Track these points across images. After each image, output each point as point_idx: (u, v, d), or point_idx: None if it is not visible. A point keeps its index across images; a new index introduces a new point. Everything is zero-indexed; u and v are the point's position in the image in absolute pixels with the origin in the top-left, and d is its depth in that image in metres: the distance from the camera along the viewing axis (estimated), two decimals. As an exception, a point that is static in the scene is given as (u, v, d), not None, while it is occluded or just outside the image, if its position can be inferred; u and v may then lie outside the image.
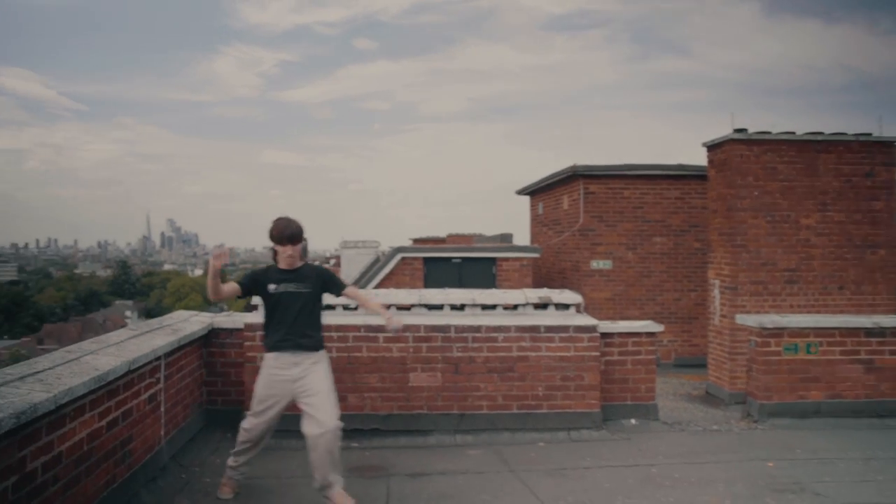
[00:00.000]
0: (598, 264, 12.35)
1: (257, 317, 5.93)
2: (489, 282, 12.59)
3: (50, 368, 3.58)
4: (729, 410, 9.09)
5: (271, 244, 4.32)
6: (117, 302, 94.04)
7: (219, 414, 6.02)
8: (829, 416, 6.44)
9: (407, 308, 6.21)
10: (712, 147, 10.00)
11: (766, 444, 5.75)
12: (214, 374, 6.05)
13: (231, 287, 4.37)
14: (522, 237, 16.38)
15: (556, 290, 6.37)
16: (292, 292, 4.30)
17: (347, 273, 15.64)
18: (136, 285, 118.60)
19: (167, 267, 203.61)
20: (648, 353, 6.35)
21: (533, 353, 5.97)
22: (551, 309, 6.23)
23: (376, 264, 13.05)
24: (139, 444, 4.46)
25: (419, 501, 4.54)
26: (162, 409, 4.92)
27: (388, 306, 6.14)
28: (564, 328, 6.01)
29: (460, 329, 5.95)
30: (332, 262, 25.20)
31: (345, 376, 5.86)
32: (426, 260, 12.77)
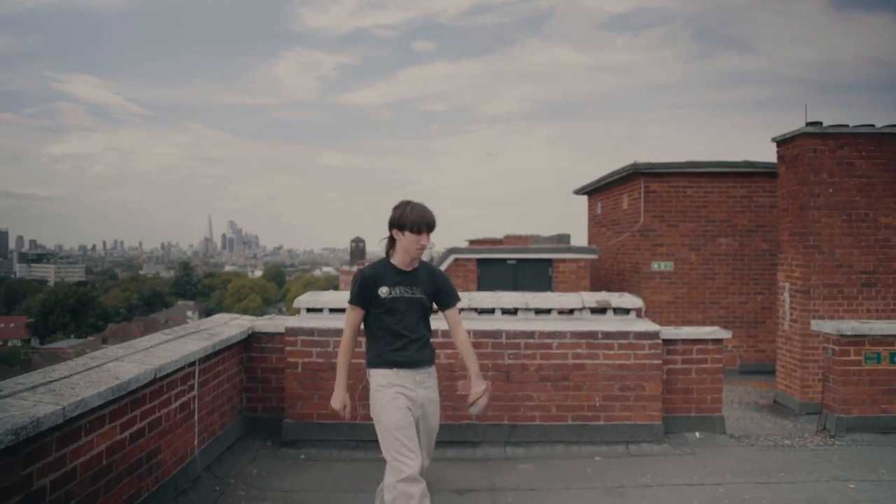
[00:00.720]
0: (659, 266, 11.83)
1: (299, 321, 5.74)
2: (545, 284, 12.19)
3: (66, 377, 3.40)
4: (800, 422, 8.54)
5: (395, 232, 3.51)
6: (179, 302, 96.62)
7: (259, 421, 5.83)
8: (917, 432, 5.88)
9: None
10: (783, 142, 9.41)
11: (845, 463, 5.25)
12: (255, 379, 5.87)
13: (355, 321, 3.66)
14: (580, 238, 15.92)
15: (616, 294, 5.99)
16: (408, 298, 3.57)
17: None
18: (197, 286, 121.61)
19: (228, 268, 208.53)
20: (715, 361, 5.91)
21: (590, 361, 5.60)
22: (609, 314, 5.85)
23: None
24: (168, 456, 4.28)
25: (464, 520, 4.25)
26: (195, 417, 4.74)
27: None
28: (624, 334, 5.62)
29: (512, 335, 5.62)
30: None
31: (389, 383, 5.59)
32: (480, 261, 12.47)
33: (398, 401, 3.44)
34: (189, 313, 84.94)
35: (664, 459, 5.33)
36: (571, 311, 5.87)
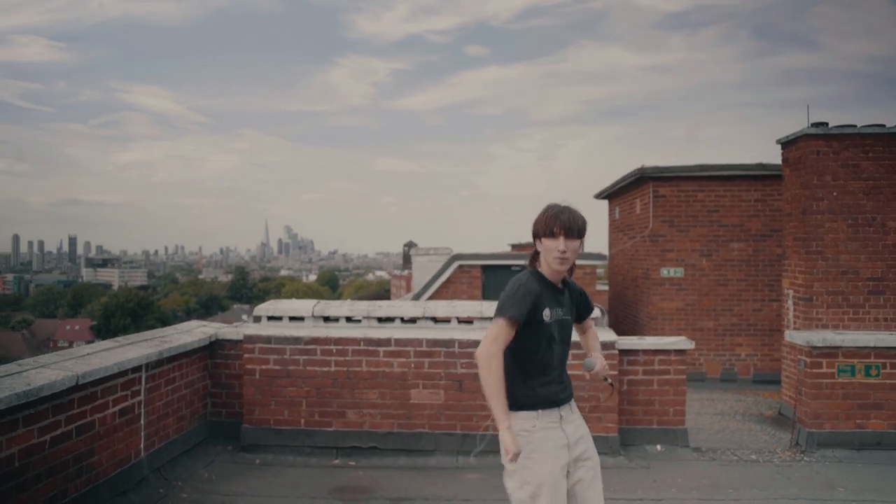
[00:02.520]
0: (668, 272, 11.55)
1: (258, 329, 5.83)
2: (550, 290, 12.01)
3: (-24, 382, 3.54)
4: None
5: (541, 239, 2.86)
6: (235, 306, 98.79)
7: (223, 426, 5.94)
8: (895, 448, 5.61)
9: (413, 321, 5.91)
10: (786, 144, 9.09)
11: (804, 481, 5.05)
12: (219, 385, 5.98)
13: (506, 339, 2.83)
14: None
15: (573, 303, 5.89)
16: (561, 319, 2.96)
17: (419, 281, 15.48)
18: (253, 290, 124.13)
19: (283, 272, 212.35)
20: (678, 372, 5.76)
21: (543, 371, 5.52)
22: (566, 323, 5.75)
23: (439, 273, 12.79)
24: (105, 458, 4.40)
25: (386, 530, 4.24)
26: (142, 421, 4.86)
27: (392, 319, 5.89)
28: (578, 345, 5.52)
29: (465, 344, 5.59)
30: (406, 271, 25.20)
31: (344, 391, 5.64)
32: (484, 268, 12.41)
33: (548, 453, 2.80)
34: (244, 317, 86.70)
35: (616, 473, 5.21)
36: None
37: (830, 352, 5.66)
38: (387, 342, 5.62)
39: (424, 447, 5.60)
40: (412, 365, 5.63)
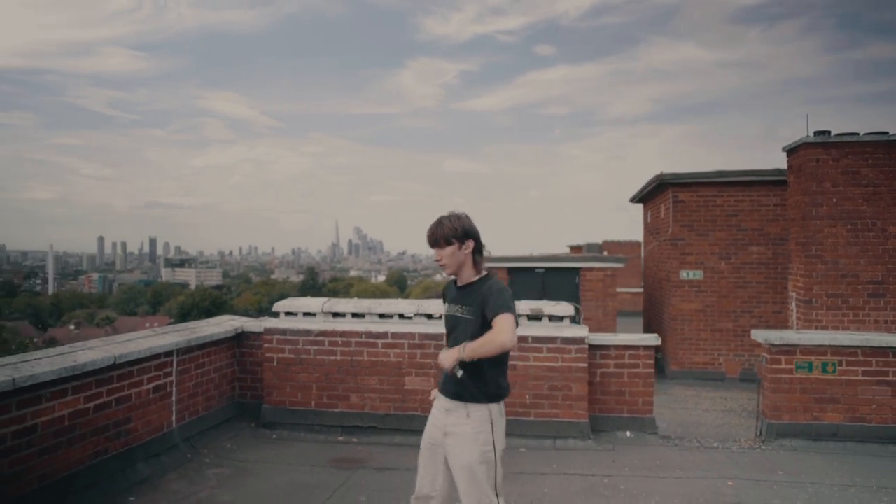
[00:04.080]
0: (687, 275, 11.95)
1: (276, 323, 6.70)
2: (573, 292, 12.59)
3: (35, 359, 4.52)
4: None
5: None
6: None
7: (247, 406, 6.84)
8: (850, 440, 6.04)
9: (409, 317, 6.67)
10: (790, 152, 9.45)
11: (750, 464, 5.58)
12: (245, 371, 6.89)
13: None
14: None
15: (551, 303, 6.54)
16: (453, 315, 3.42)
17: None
18: (322, 290, 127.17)
19: (353, 273, 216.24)
20: (646, 366, 6.35)
21: (521, 363, 6.21)
22: (545, 320, 6.41)
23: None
24: (141, 426, 5.33)
25: (365, 490, 5.01)
26: (173, 398, 5.79)
27: (389, 315, 6.67)
28: (552, 339, 6.19)
29: (452, 337, 6.32)
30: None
31: (348, 378, 6.46)
32: (510, 270, 13.05)
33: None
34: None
35: (582, 454, 5.86)
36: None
37: (788, 349, 6.14)
38: (385, 335, 6.41)
39: (416, 427, 6.31)
40: (406, 356, 6.40)
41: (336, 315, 6.75)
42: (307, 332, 6.55)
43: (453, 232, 3.28)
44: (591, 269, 12.71)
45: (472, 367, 3.25)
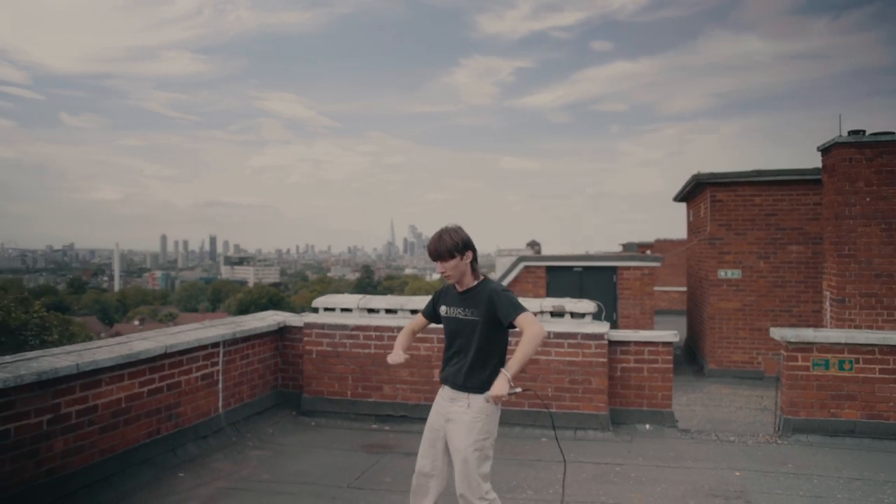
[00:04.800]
0: (725, 273, 12.01)
1: (315, 317, 7.17)
2: (610, 291, 12.77)
3: (97, 347, 5.07)
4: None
5: None
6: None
7: (289, 395, 7.33)
8: (866, 436, 6.17)
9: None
10: (824, 151, 9.48)
11: (761, 457, 5.78)
12: (287, 362, 7.38)
13: None
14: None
15: (573, 300, 6.84)
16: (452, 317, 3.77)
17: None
18: (377, 288, 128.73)
19: (408, 271, 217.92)
20: (665, 361, 6.58)
21: (543, 357, 6.53)
22: (567, 317, 6.71)
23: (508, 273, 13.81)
24: (189, 410, 5.86)
25: (391, 472, 5.42)
26: (219, 385, 6.30)
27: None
28: (573, 335, 6.49)
29: (478, 332, 6.68)
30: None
31: (381, 370, 6.88)
32: (549, 269, 13.29)
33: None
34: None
35: (600, 445, 6.15)
36: (534, 315, 6.79)
37: (805, 347, 6.30)
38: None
39: (445, 417, 6.74)
40: (435, 349, 6.78)
41: (371, 311, 7.18)
42: (343, 327, 7.00)
43: (454, 246, 3.61)
44: (628, 268, 12.87)
45: (479, 361, 3.61)
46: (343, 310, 7.24)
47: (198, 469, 5.39)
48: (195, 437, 5.87)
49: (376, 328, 6.92)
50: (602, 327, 6.53)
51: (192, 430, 5.86)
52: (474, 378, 3.62)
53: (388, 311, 7.14)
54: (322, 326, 7.06)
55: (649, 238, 30.28)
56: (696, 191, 13.57)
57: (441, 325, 3.83)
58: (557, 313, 6.73)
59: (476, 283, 3.72)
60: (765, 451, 5.99)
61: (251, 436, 6.33)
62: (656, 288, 25.89)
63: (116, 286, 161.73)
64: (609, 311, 12.67)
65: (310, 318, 7.19)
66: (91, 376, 4.74)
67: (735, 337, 12.04)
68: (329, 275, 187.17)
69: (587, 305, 6.72)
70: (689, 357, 14.40)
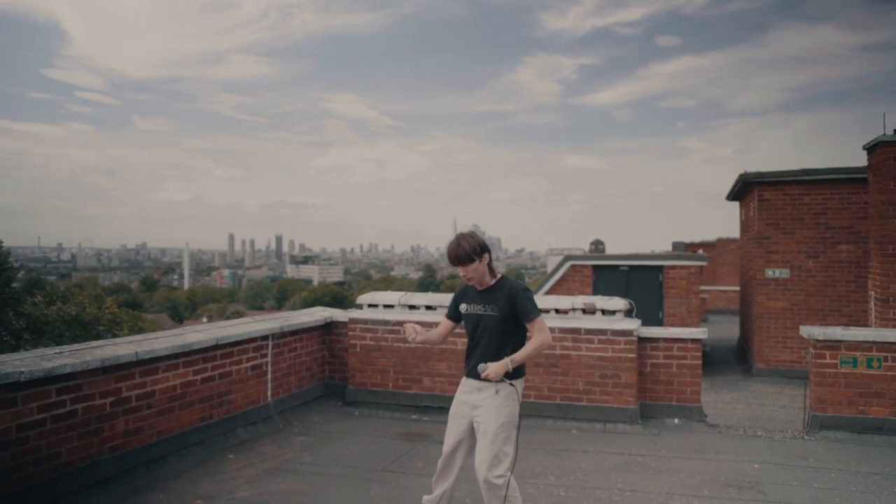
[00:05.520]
0: (773, 273, 11.93)
1: (360, 313, 7.60)
2: (656, 290, 12.83)
3: (155, 338, 5.59)
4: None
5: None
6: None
7: (335, 387, 7.78)
8: (895, 433, 6.22)
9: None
10: (869, 150, 9.40)
11: (784, 451, 5.91)
12: (333, 355, 7.83)
13: None
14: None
15: (604, 298, 7.07)
16: (472, 314, 4.09)
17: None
18: (440, 287, 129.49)
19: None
20: (694, 357, 6.75)
21: (574, 352, 6.79)
22: (598, 314, 6.95)
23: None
24: (239, 398, 6.35)
25: (424, 458, 5.77)
26: (268, 376, 6.79)
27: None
28: (603, 331, 6.72)
29: (512, 328, 6.98)
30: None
31: (420, 363, 7.26)
32: (595, 268, 13.42)
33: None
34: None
35: (627, 437, 6.38)
36: (567, 312, 7.06)
37: (833, 345, 6.38)
38: (452, 326, 7.15)
39: (479, 409, 7.06)
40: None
41: (411, 307, 7.56)
42: (385, 322, 7.40)
43: (473, 250, 3.90)
44: (674, 267, 12.92)
45: (499, 351, 3.94)
46: (385, 306, 7.64)
47: (246, 452, 5.86)
48: (245, 422, 6.37)
49: (417, 323, 7.28)
50: (631, 324, 6.74)
51: (242, 417, 6.35)
52: None
53: (428, 307, 7.51)
54: (365, 322, 7.48)
55: (712, 237, 29.84)
56: (744, 190, 13.50)
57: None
58: (588, 310, 6.97)
59: (494, 281, 4.03)
60: (789, 445, 6.11)
61: (297, 423, 6.80)
62: (714, 287, 25.59)
63: (186, 284, 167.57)
64: (655, 310, 12.75)
65: (354, 313, 7.62)
66: (149, 364, 5.26)
67: (783, 336, 11.97)
68: (392, 274, 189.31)
69: (618, 303, 6.94)
70: (740, 356, 14.33)
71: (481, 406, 3.99)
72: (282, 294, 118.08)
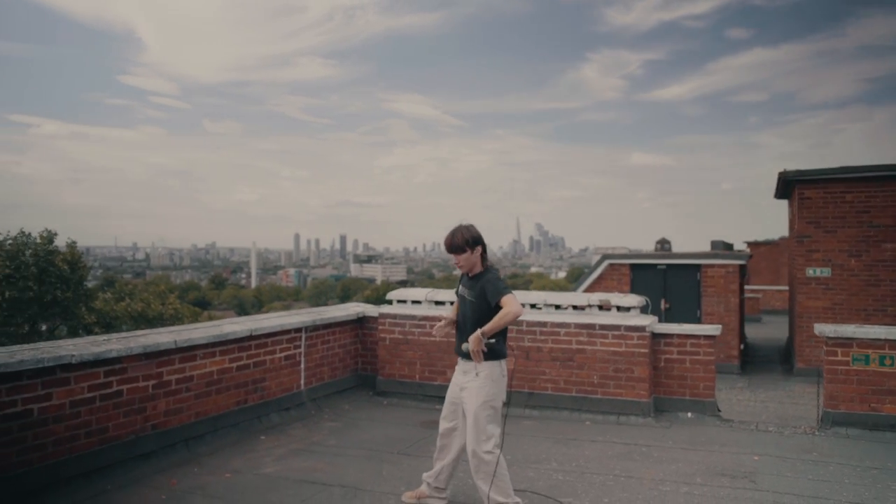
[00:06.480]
0: (814, 272, 11.82)
1: (389, 309, 8.04)
2: (693, 288, 12.85)
3: (194, 328, 6.15)
4: None
5: None
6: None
7: (367, 378, 8.25)
8: (908, 431, 6.28)
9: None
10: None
11: (789, 445, 6.05)
12: (365, 348, 8.30)
13: None
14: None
15: (619, 294, 7.31)
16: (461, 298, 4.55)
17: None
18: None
19: (533, 269, 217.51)
20: (707, 354, 6.93)
21: (589, 347, 7.07)
22: (614, 310, 7.20)
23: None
24: (273, 385, 6.87)
25: (436, 444, 6.15)
26: (301, 366, 7.29)
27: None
28: (616, 327, 6.98)
29: (530, 324, 7.31)
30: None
31: (445, 356, 7.65)
32: (633, 266, 13.50)
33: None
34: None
35: (638, 429, 6.62)
36: (584, 308, 7.33)
37: (844, 342, 6.46)
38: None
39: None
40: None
41: (437, 303, 7.96)
42: (412, 317, 7.82)
43: (465, 242, 4.37)
44: (712, 266, 12.92)
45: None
46: (413, 302, 8.06)
47: (277, 434, 6.37)
48: (278, 408, 6.88)
49: (441, 318, 7.67)
50: (645, 320, 6.97)
51: (275, 403, 6.87)
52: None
53: (453, 303, 7.87)
54: (394, 317, 7.92)
55: (776, 235, 29.34)
56: (787, 188, 13.39)
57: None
58: (604, 307, 7.23)
59: (480, 271, 4.45)
60: (797, 440, 6.25)
61: (328, 410, 7.28)
62: (770, 287, 25.14)
63: (253, 283, 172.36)
64: (693, 309, 12.79)
65: (385, 309, 8.07)
66: (187, 351, 5.82)
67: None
68: (455, 273, 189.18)
69: (633, 299, 7.18)
70: (785, 356, 14.20)
71: (466, 388, 4.40)
72: (345, 293, 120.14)
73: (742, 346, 13.60)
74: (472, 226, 4.50)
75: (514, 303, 4.19)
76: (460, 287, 4.61)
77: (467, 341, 4.28)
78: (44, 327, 21.71)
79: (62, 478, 4.73)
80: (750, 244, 29.57)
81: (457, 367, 4.59)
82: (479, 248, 4.43)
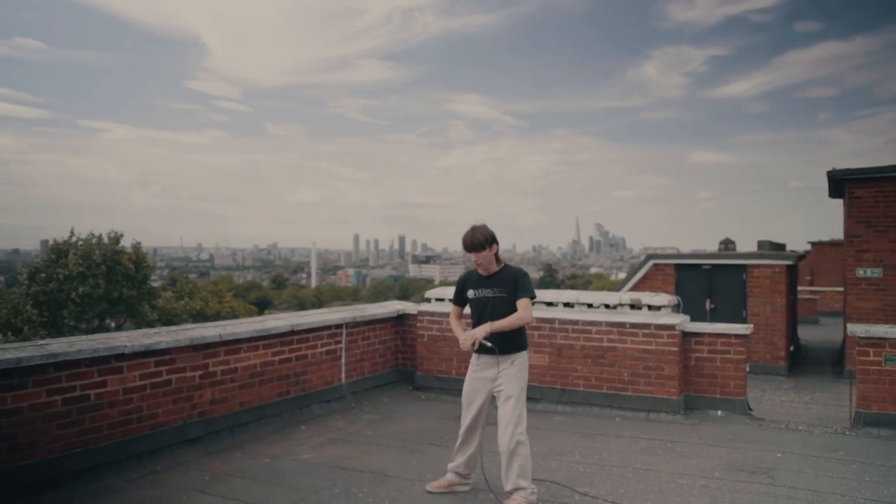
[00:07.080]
0: (864, 272, 11.58)
1: (427, 306, 8.33)
2: (739, 289, 12.71)
3: (238, 323, 6.57)
4: None
5: None
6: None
7: (407, 373, 8.56)
8: (942, 432, 6.22)
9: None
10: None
11: (815, 444, 6.08)
12: (405, 344, 8.62)
13: None
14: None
15: (650, 294, 7.42)
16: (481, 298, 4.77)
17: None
18: (560, 286, 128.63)
19: (593, 270, 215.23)
20: (737, 353, 6.99)
21: (620, 345, 7.21)
22: (645, 309, 7.32)
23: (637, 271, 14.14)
24: (315, 378, 7.24)
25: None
26: (342, 360, 7.65)
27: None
28: (647, 325, 7.10)
29: (563, 322, 7.49)
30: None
31: (480, 352, 7.88)
32: (677, 266, 13.43)
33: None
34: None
35: (666, 426, 6.74)
36: (615, 307, 7.46)
37: (877, 342, 6.44)
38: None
39: (533, 396, 7.56)
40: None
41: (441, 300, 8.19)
42: (448, 315, 8.07)
43: (485, 240, 4.65)
44: (758, 266, 12.78)
45: (513, 332, 4.64)
46: (450, 300, 8.31)
47: (317, 425, 6.73)
48: (319, 400, 7.25)
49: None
50: (675, 319, 7.07)
51: (316, 395, 7.24)
52: (512, 342, 4.67)
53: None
54: (432, 314, 8.21)
55: (840, 235, 28.44)
56: (839, 188, 13.13)
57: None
58: (636, 306, 7.35)
59: (500, 268, 4.74)
60: (825, 439, 6.27)
61: (368, 403, 7.62)
62: (829, 288, 24.48)
63: (313, 283, 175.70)
64: (738, 309, 12.68)
65: (423, 306, 8.36)
66: (231, 344, 6.22)
67: (876, 338, 11.60)
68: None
69: (663, 299, 7.29)
70: (838, 358, 13.92)
71: (501, 375, 4.66)
72: (403, 293, 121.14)
73: (792, 348, 13.41)
74: (485, 225, 4.77)
75: (531, 309, 4.58)
76: (471, 290, 4.83)
77: (487, 339, 4.55)
78: (112, 324, 22.91)
79: (116, 458, 5.17)
80: (814, 244, 28.86)
81: (476, 362, 4.83)
82: (495, 246, 4.71)
